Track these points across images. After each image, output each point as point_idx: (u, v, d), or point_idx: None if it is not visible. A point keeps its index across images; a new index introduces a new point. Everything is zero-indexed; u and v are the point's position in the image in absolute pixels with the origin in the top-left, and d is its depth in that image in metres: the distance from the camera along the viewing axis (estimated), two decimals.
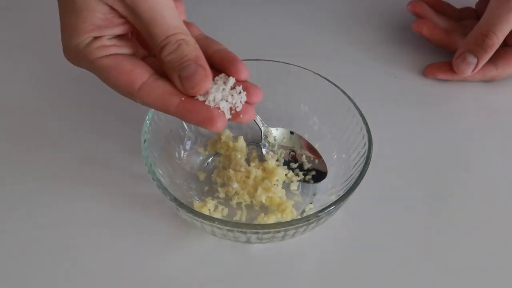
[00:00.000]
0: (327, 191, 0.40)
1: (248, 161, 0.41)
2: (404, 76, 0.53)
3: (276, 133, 0.43)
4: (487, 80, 0.52)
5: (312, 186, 0.41)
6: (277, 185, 0.39)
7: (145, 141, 0.36)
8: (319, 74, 0.42)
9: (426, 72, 0.53)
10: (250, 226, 0.33)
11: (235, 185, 0.39)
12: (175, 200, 0.33)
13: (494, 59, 0.50)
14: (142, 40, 0.34)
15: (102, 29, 0.31)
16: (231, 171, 0.40)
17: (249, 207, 0.40)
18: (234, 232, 0.33)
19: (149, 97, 0.31)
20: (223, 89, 0.32)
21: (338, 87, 0.41)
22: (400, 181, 0.43)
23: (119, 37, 0.33)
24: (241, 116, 0.32)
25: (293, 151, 0.43)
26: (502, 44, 0.50)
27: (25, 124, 0.46)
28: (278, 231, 0.33)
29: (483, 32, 0.48)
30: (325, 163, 0.42)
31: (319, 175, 0.41)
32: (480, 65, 0.49)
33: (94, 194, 0.40)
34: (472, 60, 0.49)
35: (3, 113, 0.47)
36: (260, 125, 0.43)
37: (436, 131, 0.48)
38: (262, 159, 0.41)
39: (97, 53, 0.31)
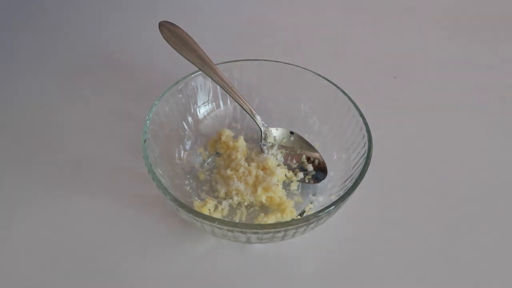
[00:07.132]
0: (327, 191, 0.40)
1: (248, 161, 0.41)
2: (404, 76, 0.53)
3: (276, 133, 0.43)
4: None
5: (312, 186, 0.41)
6: (277, 185, 0.39)
7: (145, 141, 0.36)
8: (319, 74, 0.42)
9: None
10: (250, 226, 0.33)
11: (241, 186, 0.39)
12: (175, 200, 0.33)
13: None
14: None
15: None
16: (231, 171, 0.40)
17: (249, 207, 0.40)
18: (234, 232, 0.33)
19: None
20: None
21: (338, 87, 0.41)
22: (399, 181, 0.43)
23: None
24: None
25: (293, 151, 0.43)
26: None
27: (25, 124, 0.46)
28: (278, 231, 0.33)
29: None
30: (325, 163, 0.42)
31: (319, 175, 0.41)
32: None
33: (94, 194, 0.40)
34: None
35: (3, 113, 0.47)
36: (260, 125, 0.43)
37: (436, 131, 0.48)
38: (262, 159, 0.41)
39: None
